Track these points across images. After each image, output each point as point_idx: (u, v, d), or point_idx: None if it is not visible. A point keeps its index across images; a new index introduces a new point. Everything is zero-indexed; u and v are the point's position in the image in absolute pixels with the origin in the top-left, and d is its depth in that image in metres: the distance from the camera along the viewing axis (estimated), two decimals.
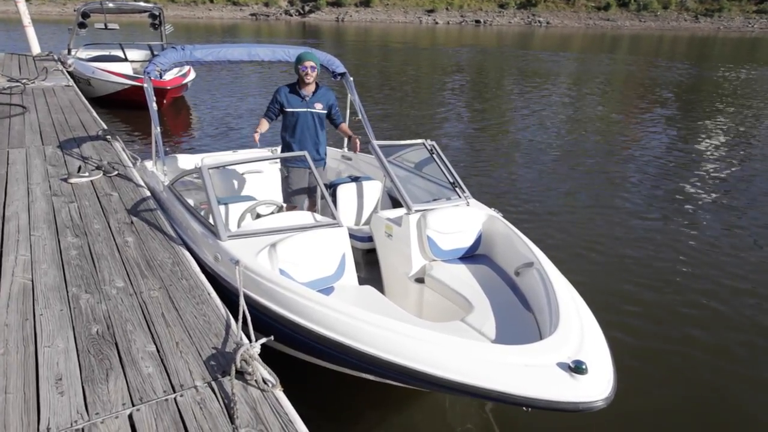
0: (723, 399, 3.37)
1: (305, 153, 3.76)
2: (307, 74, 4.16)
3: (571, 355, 2.21)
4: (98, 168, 5.10)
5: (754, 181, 7.60)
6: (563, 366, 2.14)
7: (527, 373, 2.11)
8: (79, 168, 5.10)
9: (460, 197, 3.85)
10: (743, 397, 3.38)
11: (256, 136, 4.13)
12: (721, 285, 4.71)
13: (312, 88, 4.28)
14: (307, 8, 58.63)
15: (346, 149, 5.56)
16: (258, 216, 3.91)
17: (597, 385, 2.09)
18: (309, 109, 4.26)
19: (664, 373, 3.58)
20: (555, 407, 2.01)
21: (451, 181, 3.94)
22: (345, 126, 4.59)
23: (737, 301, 4.45)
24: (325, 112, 4.37)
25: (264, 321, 2.75)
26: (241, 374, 2.34)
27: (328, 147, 5.31)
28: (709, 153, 9.07)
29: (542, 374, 2.10)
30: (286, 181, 4.44)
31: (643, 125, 11.20)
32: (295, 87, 4.28)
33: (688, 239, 5.62)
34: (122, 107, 10.85)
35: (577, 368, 2.08)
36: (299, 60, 4.17)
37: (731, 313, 4.28)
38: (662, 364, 3.68)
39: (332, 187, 4.45)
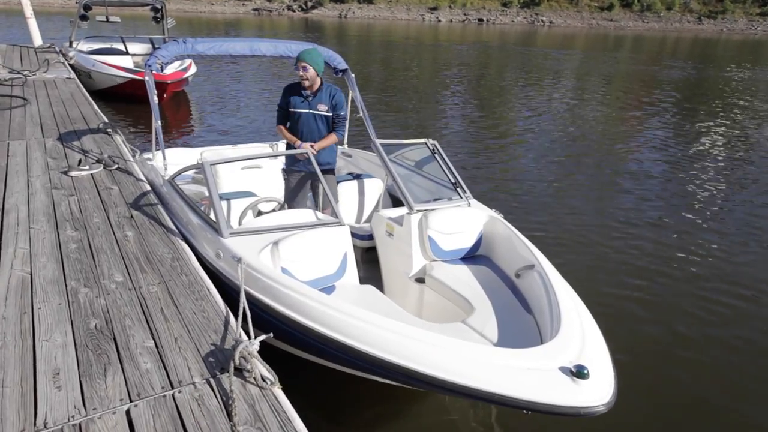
0: (725, 405, 3.36)
1: (307, 152, 3.73)
2: (300, 75, 3.84)
3: (573, 360, 2.21)
4: (99, 161, 5.08)
5: (759, 179, 7.58)
6: (565, 370, 2.14)
7: (529, 376, 2.11)
8: (80, 161, 5.07)
9: (461, 198, 3.84)
10: (747, 403, 3.37)
11: (296, 142, 3.97)
12: (725, 289, 4.70)
13: (313, 88, 3.93)
14: (309, 4, 58.42)
15: (345, 146, 5.55)
16: (259, 213, 3.90)
17: (598, 390, 2.09)
18: (311, 111, 3.96)
19: (665, 379, 3.57)
20: (557, 411, 2.01)
21: (453, 181, 3.93)
22: (332, 137, 4.06)
23: (741, 305, 4.44)
24: (330, 114, 4.00)
25: (264, 319, 2.75)
26: (239, 371, 2.33)
27: None
28: (713, 153, 9.05)
29: (544, 378, 2.10)
30: (286, 183, 4.24)
31: (647, 124, 11.18)
32: (299, 85, 3.97)
33: (693, 241, 5.61)
34: (123, 100, 10.81)
35: (579, 373, 2.08)
36: (296, 59, 3.87)
37: (735, 318, 4.27)
38: (663, 370, 3.67)
39: None
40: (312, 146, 3.93)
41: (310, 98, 3.96)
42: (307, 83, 3.89)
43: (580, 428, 3.06)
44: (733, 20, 52.76)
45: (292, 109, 4.00)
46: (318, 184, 4.05)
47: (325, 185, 3.58)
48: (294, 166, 4.11)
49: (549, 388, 2.06)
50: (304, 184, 4.17)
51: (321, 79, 3.98)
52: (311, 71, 3.84)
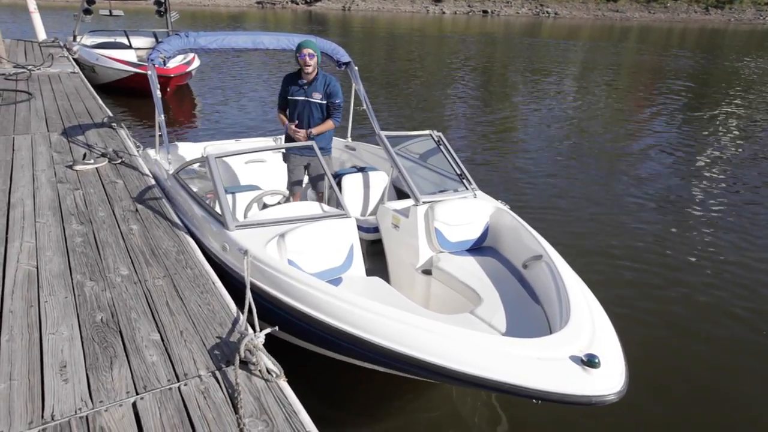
0: (736, 393, 3.33)
1: (313, 143, 3.73)
2: (305, 62, 4.03)
3: (584, 349, 2.20)
4: (103, 155, 5.08)
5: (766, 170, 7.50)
6: (576, 359, 2.13)
7: (540, 366, 2.10)
8: (84, 155, 5.08)
9: (467, 189, 3.81)
10: (758, 392, 3.34)
11: (291, 125, 4.21)
12: (735, 280, 4.65)
13: (311, 76, 4.14)
14: None
15: (349, 139, 5.52)
16: (265, 206, 3.89)
17: (609, 379, 2.08)
18: (307, 98, 4.16)
19: (676, 367, 3.55)
20: (568, 400, 2.00)
21: (458, 172, 3.91)
22: (328, 123, 4.27)
23: (751, 296, 4.39)
24: (324, 102, 4.19)
25: (270, 311, 2.74)
26: (245, 364, 2.33)
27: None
28: (721, 144, 8.96)
29: (555, 367, 2.09)
30: (287, 168, 4.47)
31: (653, 115, 11.08)
32: (297, 74, 4.22)
33: (701, 231, 5.56)
34: (127, 94, 10.82)
35: (590, 362, 2.07)
36: (298, 48, 4.07)
37: (745, 308, 4.23)
38: (674, 358, 3.64)
39: (337, 178, 4.42)
40: (310, 132, 4.19)
41: (306, 87, 4.18)
42: (309, 69, 4.09)
43: (591, 417, 3.04)
44: (741, 10, 52.12)
45: (290, 97, 4.25)
46: (315, 167, 4.34)
47: (328, 172, 3.63)
48: (291, 150, 4.33)
49: (560, 377, 2.05)
50: (300, 167, 4.39)
51: (318, 68, 4.20)
52: (315, 59, 4.07)
